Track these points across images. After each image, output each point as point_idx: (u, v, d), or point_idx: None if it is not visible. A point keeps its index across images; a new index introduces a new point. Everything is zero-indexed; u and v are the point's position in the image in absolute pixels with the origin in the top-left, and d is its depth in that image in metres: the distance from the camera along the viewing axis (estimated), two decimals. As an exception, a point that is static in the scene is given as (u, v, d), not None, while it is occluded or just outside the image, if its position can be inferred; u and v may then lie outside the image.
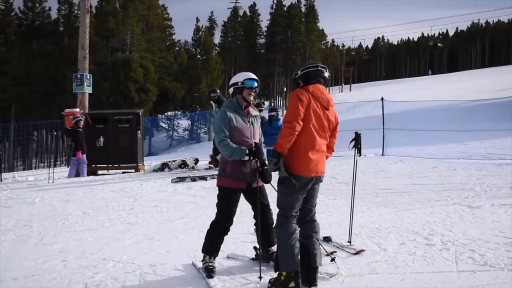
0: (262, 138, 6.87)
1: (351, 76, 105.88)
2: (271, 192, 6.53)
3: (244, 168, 6.34)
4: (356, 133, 7.17)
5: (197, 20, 74.71)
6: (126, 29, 58.85)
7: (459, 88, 69.23)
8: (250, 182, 6.39)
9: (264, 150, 6.79)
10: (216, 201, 6.55)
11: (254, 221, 6.72)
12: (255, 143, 6.39)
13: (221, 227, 6.47)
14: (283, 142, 5.67)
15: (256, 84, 6.49)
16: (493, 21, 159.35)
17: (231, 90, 6.58)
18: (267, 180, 6.30)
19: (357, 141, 7.31)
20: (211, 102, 17.07)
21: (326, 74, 6.14)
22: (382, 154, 18.45)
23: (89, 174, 18.64)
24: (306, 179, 5.85)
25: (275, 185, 6.08)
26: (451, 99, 48.54)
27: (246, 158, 6.26)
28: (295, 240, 5.83)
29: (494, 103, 38.13)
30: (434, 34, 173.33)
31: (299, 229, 5.99)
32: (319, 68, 6.13)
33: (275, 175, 5.97)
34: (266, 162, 6.35)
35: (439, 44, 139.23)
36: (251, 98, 6.51)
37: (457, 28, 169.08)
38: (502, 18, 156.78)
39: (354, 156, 7.43)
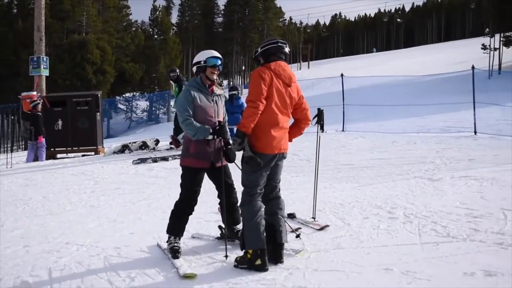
0: (226, 117, 6.82)
1: (309, 53, 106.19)
2: (235, 171, 6.52)
3: (208, 147, 6.28)
4: (318, 109, 7.17)
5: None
6: (81, 10, 57.98)
7: (416, 63, 70.07)
8: (213, 161, 6.34)
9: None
10: (180, 181, 6.51)
11: (218, 200, 6.69)
12: (218, 121, 6.33)
13: (185, 207, 6.42)
14: (247, 122, 5.65)
15: (219, 62, 6.42)
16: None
17: (194, 69, 6.51)
18: (231, 159, 6.26)
19: (319, 118, 7.31)
20: (171, 82, 16.94)
21: (287, 50, 6.10)
22: (343, 130, 18.56)
23: (48, 158, 18.35)
24: (269, 156, 5.84)
25: (239, 164, 6.06)
26: (409, 74, 49.09)
27: (210, 137, 6.19)
28: (261, 218, 5.82)
29: (450, 77, 38.61)
30: (391, 10, 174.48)
31: (264, 206, 5.98)
32: (279, 43, 6.08)
33: (239, 154, 5.95)
34: (230, 141, 6.33)
35: (398, 20, 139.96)
36: (215, 76, 6.44)
37: (413, 4, 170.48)
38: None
39: (317, 132, 7.44)
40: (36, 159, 17.64)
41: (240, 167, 6.02)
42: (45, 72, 20.50)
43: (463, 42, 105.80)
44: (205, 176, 6.51)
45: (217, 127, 6.19)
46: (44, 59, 20.36)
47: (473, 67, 17.06)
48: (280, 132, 5.86)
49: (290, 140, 6.19)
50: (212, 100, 6.41)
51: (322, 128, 7.34)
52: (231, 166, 6.59)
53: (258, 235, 5.73)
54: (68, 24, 57.09)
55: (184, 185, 6.44)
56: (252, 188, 5.88)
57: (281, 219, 6.02)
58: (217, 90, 6.54)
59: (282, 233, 5.94)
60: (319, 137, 7.59)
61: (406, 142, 14.78)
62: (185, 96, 6.31)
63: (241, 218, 6.28)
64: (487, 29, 64.02)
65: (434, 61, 70.72)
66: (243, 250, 5.84)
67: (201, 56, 6.47)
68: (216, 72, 6.42)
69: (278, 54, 6.02)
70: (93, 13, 59.68)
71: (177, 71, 17.24)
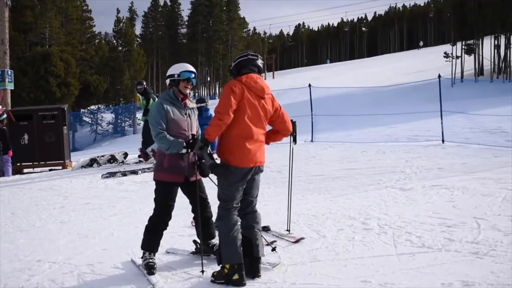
0: (200, 131, 6.80)
1: (274, 63, 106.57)
2: (209, 184, 6.48)
3: (182, 161, 6.25)
4: (291, 120, 7.16)
5: (118, 11, 73.75)
6: (44, 22, 57.34)
7: (380, 72, 70.74)
8: (187, 176, 6.30)
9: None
10: (153, 195, 6.46)
11: (191, 214, 6.66)
12: (192, 135, 6.29)
13: (159, 222, 6.36)
14: (212, 131, 5.69)
15: (193, 76, 6.41)
16: (409, 4, 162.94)
17: (167, 81, 6.47)
18: (205, 173, 6.21)
19: (292, 129, 7.31)
20: (138, 94, 16.85)
21: (259, 62, 6.11)
22: (312, 141, 18.59)
23: (14, 173, 18.12)
24: (245, 170, 5.82)
25: (214, 178, 6.03)
26: (373, 83, 49.51)
27: (184, 151, 6.16)
28: (237, 232, 5.80)
29: (414, 85, 39.01)
30: (353, 19, 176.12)
31: (240, 220, 5.95)
32: (250, 56, 6.09)
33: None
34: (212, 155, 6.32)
35: (363, 29, 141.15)
36: (188, 90, 6.43)
37: (375, 13, 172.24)
38: (418, 1, 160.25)
39: (290, 144, 7.43)
40: (1, 174, 17.39)
41: (216, 182, 6.01)
42: (10, 86, 20.19)
43: (425, 51, 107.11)
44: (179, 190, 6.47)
45: (191, 141, 6.16)
46: (9, 72, 20.06)
47: (439, 76, 17.22)
48: (255, 144, 5.84)
49: (267, 143, 6.22)
50: (185, 114, 6.39)
51: (294, 140, 7.34)
52: (205, 180, 6.53)
53: (235, 250, 5.70)
54: (31, 37, 56.50)
55: (158, 200, 6.40)
56: (228, 202, 5.85)
57: (257, 232, 6.00)
58: (190, 103, 6.52)
59: (259, 247, 5.92)
60: (292, 148, 7.58)
61: (375, 152, 14.86)
62: (158, 109, 6.27)
63: (216, 233, 6.26)
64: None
65: (397, 69, 71.57)
66: (220, 265, 5.80)
67: (175, 69, 6.44)
68: (189, 86, 6.41)
69: (249, 67, 6.02)
70: (56, 25, 59.11)
71: (144, 83, 17.18)
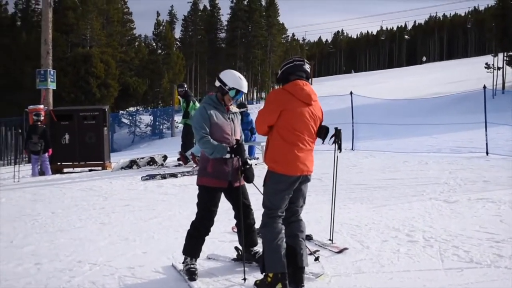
0: (243, 136, 6.72)
1: (312, 70, 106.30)
2: (251, 190, 6.41)
3: (226, 166, 6.17)
4: (336, 128, 7.04)
5: (158, 14, 74.41)
6: (86, 24, 58.09)
7: (419, 81, 70.08)
8: (231, 181, 6.23)
9: (246, 147, 6.63)
10: (193, 199, 6.40)
11: (232, 220, 6.59)
12: (236, 140, 6.23)
13: (201, 227, 6.29)
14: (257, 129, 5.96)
15: (239, 97, 6.37)
16: (450, 14, 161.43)
17: (217, 83, 6.39)
18: (250, 179, 6.15)
19: (337, 137, 7.18)
20: (178, 96, 16.85)
21: (306, 67, 5.97)
22: (352, 149, 18.43)
23: (54, 172, 18.30)
24: (292, 178, 5.71)
25: (259, 186, 5.95)
26: (412, 93, 49.03)
27: (228, 156, 6.09)
28: (282, 240, 5.69)
29: (454, 96, 38.61)
30: (393, 28, 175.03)
31: (284, 228, 5.84)
32: (296, 62, 5.98)
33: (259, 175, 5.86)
34: (248, 161, 6.23)
35: (406, 36, 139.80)
36: (230, 103, 6.36)
37: (415, 22, 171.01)
38: (459, 11, 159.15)
39: (335, 152, 7.31)
40: (42, 173, 17.56)
41: (261, 190, 5.92)
42: (52, 86, 20.40)
43: (465, 61, 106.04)
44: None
45: (235, 146, 6.09)
46: (51, 72, 20.26)
47: (484, 87, 16.94)
48: (302, 152, 5.74)
49: None
50: (229, 118, 6.32)
51: (339, 148, 7.21)
52: (248, 186, 6.46)
53: (279, 258, 5.59)
54: (72, 38, 57.20)
55: (200, 205, 6.32)
56: (273, 210, 5.75)
57: (302, 242, 5.88)
58: (232, 108, 6.44)
59: (303, 256, 5.80)
60: (337, 157, 7.46)
61: (418, 162, 14.64)
62: (201, 113, 6.20)
63: (258, 240, 6.17)
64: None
65: (436, 79, 70.81)
66: (263, 274, 5.70)
67: (230, 80, 6.30)
68: (232, 102, 6.35)
69: (296, 73, 5.89)
70: (97, 27, 59.77)
71: (185, 86, 17.20)
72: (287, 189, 5.73)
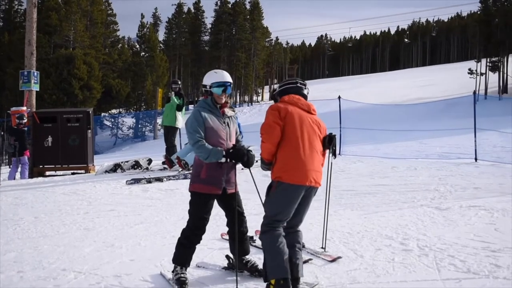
0: (241, 137, 6.57)
1: (295, 73, 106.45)
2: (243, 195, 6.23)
3: (220, 172, 5.99)
4: (330, 134, 6.86)
5: (142, 16, 73.98)
6: (69, 25, 57.65)
7: (402, 86, 70.45)
8: (225, 188, 6.04)
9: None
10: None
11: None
12: (233, 145, 6.04)
13: (193, 235, 6.10)
14: (264, 154, 5.70)
15: (224, 89, 6.12)
16: (433, 19, 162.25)
17: (203, 90, 6.21)
18: (251, 162, 5.99)
19: (331, 143, 7.00)
20: (171, 92, 16.63)
21: (305, 92, 5.94)
22: (339, 154, 18.26)
23: (37, 175, 18.05)
24: (300, 188, 5.57)
25: (262, 195, 5.84)
26: (395, 97, 49.15)
27: (223, 160, 5.91)
28: (283, 245, 5.53)
29: (439, 101, 38.75)
30: (376, 32, 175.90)
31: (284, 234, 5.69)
32: (299, 85, 5.92)
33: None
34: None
35: (406, 40, 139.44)
36: (223, 100, 6.14)
37: (398, 27, 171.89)
38: (442, 17, 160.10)
39: (328, 158, 7.13)
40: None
41: (262, 200, 5.83)
42: (35, 87, 20.07)
43: (448, 66, 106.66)
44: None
45: (231, 150, 5.91)
46: (35, 73, 19.93)
47: (474, 92, 16.88)
48: (310, 161, 5.61)
49: None
50: (224, 122, 6.13)
51: (334, 154, 7.03)
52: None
53: (281, 263, 5.42)
54: (55, 39, 56.71)
55: (193, 212, 6.12)
56: (276, 220, 5.61)
57: (298, 251, 5.75)
58: (228, 111, 6.23)
59: (299, 266, 5.68)
60: (331, 163, 7.28)
61: (406, 168, 14.47)
62: (196, 117, 6.01)
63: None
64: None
65: (418, 84, 71.16)
66: (266, 282, 5.53)
67: (207, 79, 6.18)
68: (223, 96, 6.13)
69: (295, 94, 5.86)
70: (81, 28, 59.35)
71: (179, 83, 17.05)
72: (292, 199, 5.59)
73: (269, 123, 5.56)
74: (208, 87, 6.11)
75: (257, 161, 6.21)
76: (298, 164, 5.52)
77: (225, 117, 6.18)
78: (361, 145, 22.44)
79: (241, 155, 5.91)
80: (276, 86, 6.18)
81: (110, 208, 11.16)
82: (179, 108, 16.29)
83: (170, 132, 16.61)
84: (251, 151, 5.97)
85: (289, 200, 5.56)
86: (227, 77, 6.17)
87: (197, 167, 6.11)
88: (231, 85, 6.21)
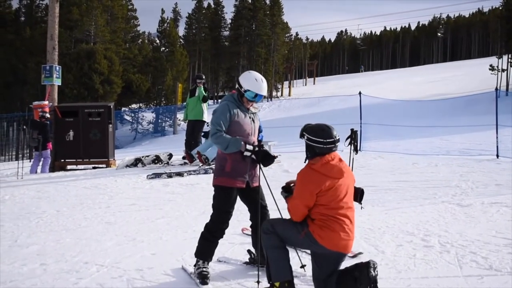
0: (261, 135, 6.59)
1: (315, 69, 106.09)
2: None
3: (245, 165, 6.03)
4: (352, 129, 6.85)
5: (163, 11, 74.01)
6: (90, 20, 57.83)
7: (422, 82, 69.88)
8: (249, 182, 6.07)
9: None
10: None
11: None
12: (259, 141, 6.13)
13: (216, 229, 6.14)
14: (293, 216, 5.47)
15: (253, 97, 6.13)
16: (454, 15, 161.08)
17: (237, 85, 6.24)
18: (270, 160, 6.03)
19: (353, 138, 7.00)
20: (196, 85, 16.58)
21: (335, 145, 5.44)
22: (360, 150, 18.18)
23: (58, 169, 18.18)
24: (334, 254, 5.35)
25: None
26: (415, 93, 48.80)
27: (248, 153, 5.95)
28: (284, 246, 5.49)
29: (459, 98, 38.44)
30: (396, 28, 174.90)
31: None
32: (326, 146, 5.36)
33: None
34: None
35: (439, 34, 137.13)
36: (249, 106, 6.19)
37: (418, 23, 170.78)
38: (463, 12, 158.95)
39: (350, 153, 7.13)
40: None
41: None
42: (57, 82, 20.20)
43: (468, 62, 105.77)
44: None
45: (256, 148, 5.93)
46: (57, 68, 20.06)
47: (496, 89, 16.73)
48: (344, 230, 5.33)
49: None
50: (249, 118, 6.15)
51: (356, 149, 7.02)
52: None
53: (284, 266, 5.40)
54: (76, 34, 56.97)
55: (216, 206, 6.16)
56: (281, 236, 5.48)
57: None
58: (253, 108, 6.27)
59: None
60: (353, 158, 7.27)
61: (427, 164, 14.44)
62: (223, 110, 6.07)
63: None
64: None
65: (439, 80, 70.54)
66: (270, 282, 5.52)
67: (246, 82, 6.14)
68: (251, 104, 6.20)
69: (324, 152, 5.40)
70: (101, 23, 59.52)
71: (203, 77, 17.00)
72: (326, 264, 5.39)
73: (307, 195, 5.31)
74: (242, 89, 6.12)
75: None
76: (336, 235, 5.30)
77: (250, 113, 6.22)
78: (381, 141, 22.32)
79: (268, 159, 5.94)
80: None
81: (131, 202, 11.24)
82: (204, 99, 16.25)
83: (196, 127, 16.48)
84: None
85: (318, 259, 5.43)
86: (264, 90, 6.14)
87: (221, 160, 6.14)
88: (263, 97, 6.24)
